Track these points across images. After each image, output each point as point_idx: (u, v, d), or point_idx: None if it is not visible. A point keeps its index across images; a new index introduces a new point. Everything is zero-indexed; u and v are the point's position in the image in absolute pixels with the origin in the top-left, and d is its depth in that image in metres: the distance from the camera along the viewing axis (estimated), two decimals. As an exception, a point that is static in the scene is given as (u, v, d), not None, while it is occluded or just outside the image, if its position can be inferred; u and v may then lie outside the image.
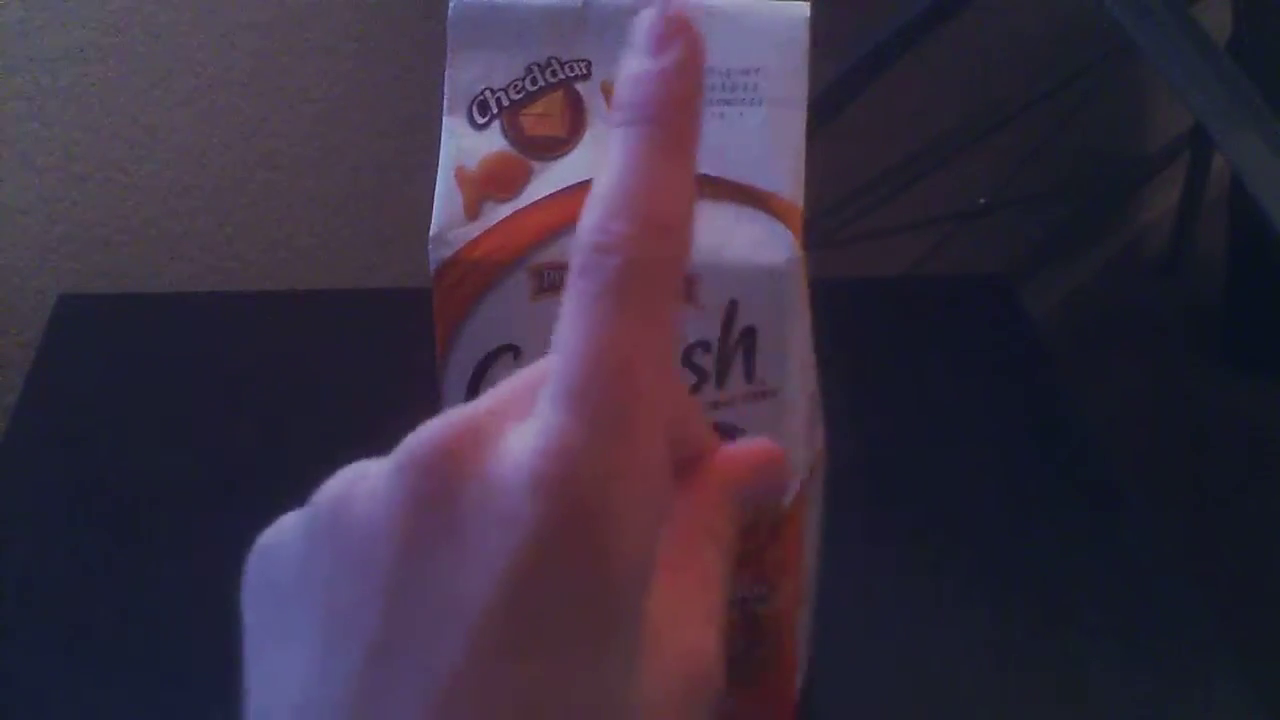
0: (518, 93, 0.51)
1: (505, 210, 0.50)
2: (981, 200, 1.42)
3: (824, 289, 0.55)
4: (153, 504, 0.68)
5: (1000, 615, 0.62)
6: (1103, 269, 1.78)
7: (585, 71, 0.50)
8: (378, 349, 0.79)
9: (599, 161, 0.50)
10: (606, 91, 0.50)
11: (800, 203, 0.49)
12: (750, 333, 0.49)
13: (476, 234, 0.50)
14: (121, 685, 0.58)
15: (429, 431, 0.30)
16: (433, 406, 0.53)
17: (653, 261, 0.30)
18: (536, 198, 0.50)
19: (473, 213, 0.50)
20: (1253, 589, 1.34)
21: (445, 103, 0.51)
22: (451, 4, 0.51)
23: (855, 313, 0.81)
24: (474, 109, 0.51)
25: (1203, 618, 0.62)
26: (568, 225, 0.49)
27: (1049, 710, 0.57)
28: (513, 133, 0.50)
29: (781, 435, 0.51)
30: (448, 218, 0.50)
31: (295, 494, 0.75)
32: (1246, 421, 1.57)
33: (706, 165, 0.49)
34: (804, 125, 0.49)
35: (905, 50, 1.00)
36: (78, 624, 0.61)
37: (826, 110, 0.99)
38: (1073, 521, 0.67)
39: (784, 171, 0.49)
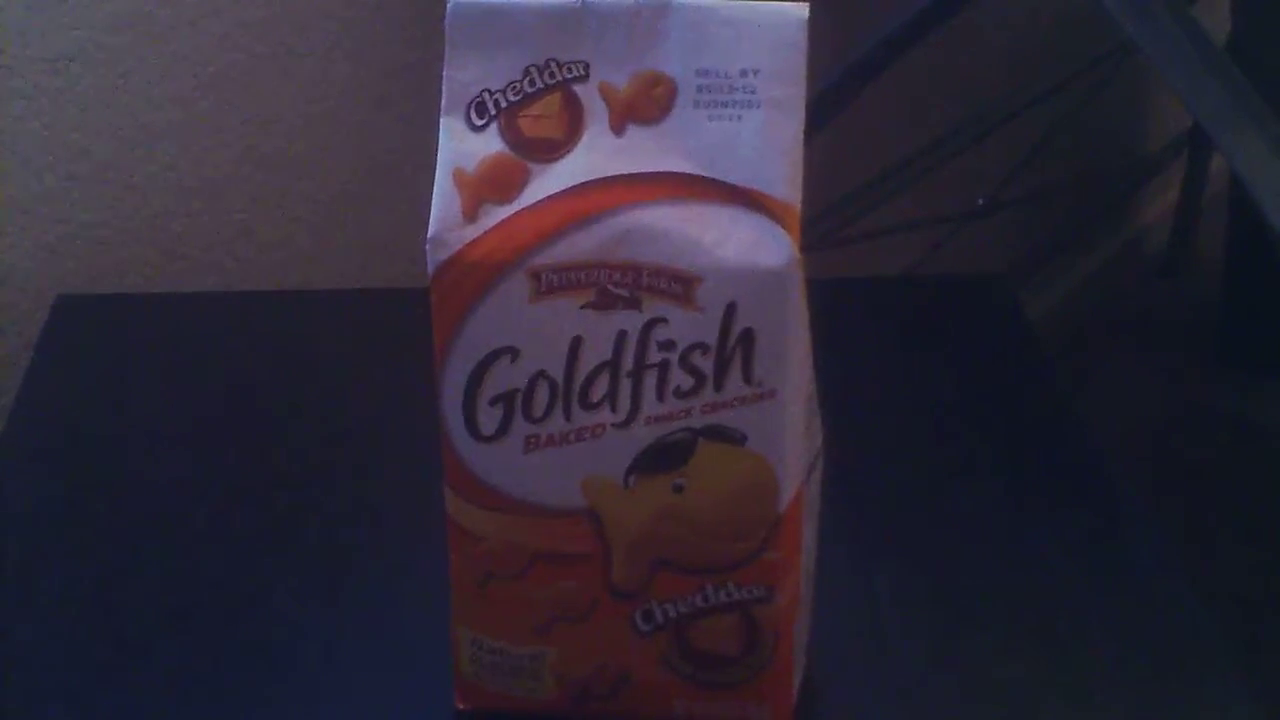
0: (516, 94, 0.51)
1: (503, 212, 0.50)
2: (981, 200, 1.42)
3: (824, 289, 0.55)
4: (152, 504, 0.68)
5: (999, 616, 0.62)
6: (1103, 269, 1.78)
7: (583, 73, 0.50)
8: (378, 349, 0.79)
9: (597, 163, 0.50)
10: (604, 93, 0.50)
11: (798, 204, 0.49)
12: (748, 334, 0.49)
13: (474, 236, 0.50)
14: (121, 685, 0.58)
15: None
16: (432, 407, 0.53)
17: None
18: (534, 200, 0.50)
19: (471, 214, 0.50)
20: (1253, 589, 1.34)
21: (443, 104, 0.51)
22: (450, 5, 0.51)
23: (855, 313, 0.81)
24: (472, 110, 0.51)
25: (1203, 618, 0.62)
26: (566, 227, 0.50)
27: (1048, 710, 0.57)
28: (511, 134, 0.50)
29: (780, 436, 0.51)
30: (446, 219, 0.50)
31: (294, 493, 0.75)
32: (1246, 421, 1.57)
33: (704, 167, 0.49)
34: (801, 127, 0.49)
35: (905, 50, 1.00)
36: (78, 624, 0.61)
37: (826, 110, 0.99)
38: (1072, 522, 0.67)
39: (781, 173, 0.49)
